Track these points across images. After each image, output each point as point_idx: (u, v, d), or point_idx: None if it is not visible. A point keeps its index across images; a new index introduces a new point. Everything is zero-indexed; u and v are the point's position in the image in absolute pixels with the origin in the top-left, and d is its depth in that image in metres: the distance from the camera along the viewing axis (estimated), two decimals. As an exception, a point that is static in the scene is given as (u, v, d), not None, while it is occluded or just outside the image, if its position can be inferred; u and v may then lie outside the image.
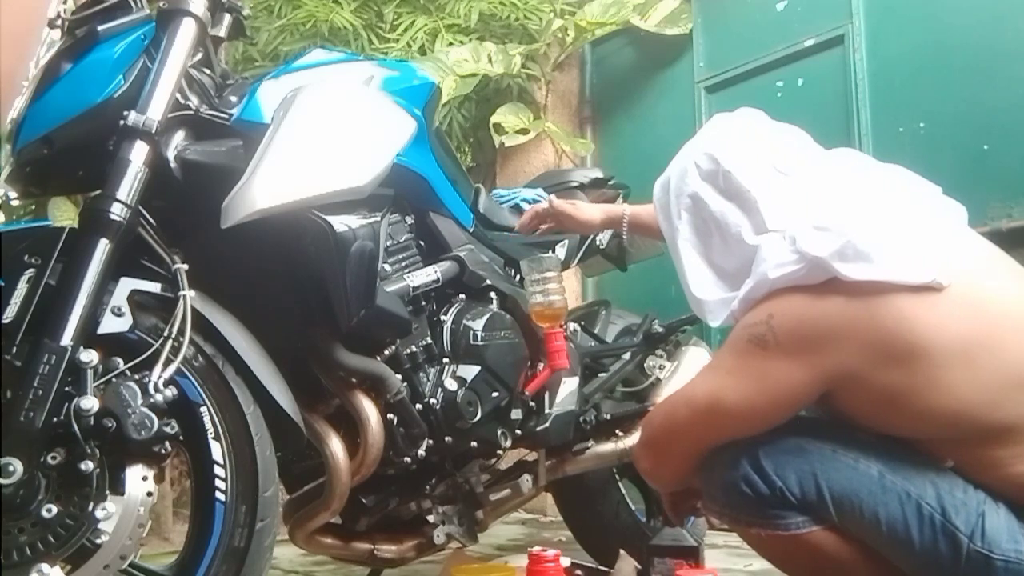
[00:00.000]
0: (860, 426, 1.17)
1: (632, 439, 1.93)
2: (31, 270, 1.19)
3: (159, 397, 1.17)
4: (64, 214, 2.76)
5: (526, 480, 1.79)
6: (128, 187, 1.22)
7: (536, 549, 1.57)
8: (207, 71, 1.47)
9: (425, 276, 1.58)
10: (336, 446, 1.43)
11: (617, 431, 1.95)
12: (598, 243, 2.15)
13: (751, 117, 1.34)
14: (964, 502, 1.09)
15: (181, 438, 1.21)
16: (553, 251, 1.97)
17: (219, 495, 1.24)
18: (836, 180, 1.23)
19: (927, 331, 1.06)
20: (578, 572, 1.73)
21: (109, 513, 1.14)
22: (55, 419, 1.12)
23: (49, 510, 1.12)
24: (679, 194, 1.31)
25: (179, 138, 1.35)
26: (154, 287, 1.27)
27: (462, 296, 1.67)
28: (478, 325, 1.62)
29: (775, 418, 1.16)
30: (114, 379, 1.17)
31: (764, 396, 1.13)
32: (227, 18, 1.52)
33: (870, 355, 1.07)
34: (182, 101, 1.36)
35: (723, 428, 1.18)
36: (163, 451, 1.18)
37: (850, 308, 1.08)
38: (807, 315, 1.11)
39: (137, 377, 1.18)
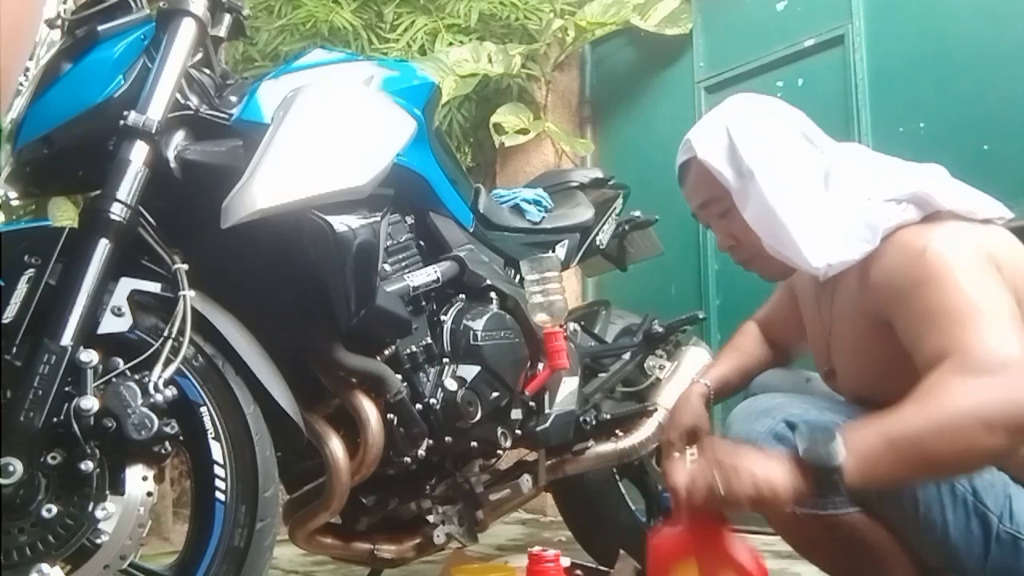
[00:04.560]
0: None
1: (632, 439, 1.93)
2: (31, 270, 1.19)
3: (159, 397, 1.17)
4: (64, 214, 2.76)
5: (526, 480, 1.79)
6: (128, 187, 1.22)
7: (536, 549, 1.57)
8: (207, 71, 1.47)
9: (425, 276, 1.58)
10: (336, 446, 1.43)
11: (617, 431, 1.95)
12: (598, 243, 2.15)
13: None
14: (992, 483, 1.10)
15: (181, 438, 1.21)
16: (553, 251, 1.97)
17: (219, 495, 1.24)
18: (874, 156, 1.32)
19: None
20: (578, 572, 1.73)
21: (109, 513, 1.14)
22: (55, 419, 1.12)
23: (49, 510, 1.12)
24: (763, 135, 1.28)
25: (179, 138, 1.35)
26: (154, 287, 1.27)
27: (462, 296, 1.67)
28: (478, 325, 1.62)
29: None
30: (114, 379, 1.17)
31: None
32: (227, 18, 1.52)
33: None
34: (182, 101, 1.36)
35: None
36: (163, 451, 1.17)
37: (965, 227, 1.15)
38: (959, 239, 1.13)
39: (137, 377, 1.18)
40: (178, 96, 1.34)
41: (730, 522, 1.08)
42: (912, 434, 0.97)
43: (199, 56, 1.45)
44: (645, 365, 2.06)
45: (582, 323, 2.08)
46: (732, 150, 1.28)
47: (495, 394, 1.61)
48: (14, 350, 1.15)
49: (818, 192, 1.24)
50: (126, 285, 1.25)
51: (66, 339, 1.14)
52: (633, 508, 2.13)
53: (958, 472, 1.07)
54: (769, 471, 0.99)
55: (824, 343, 1.34)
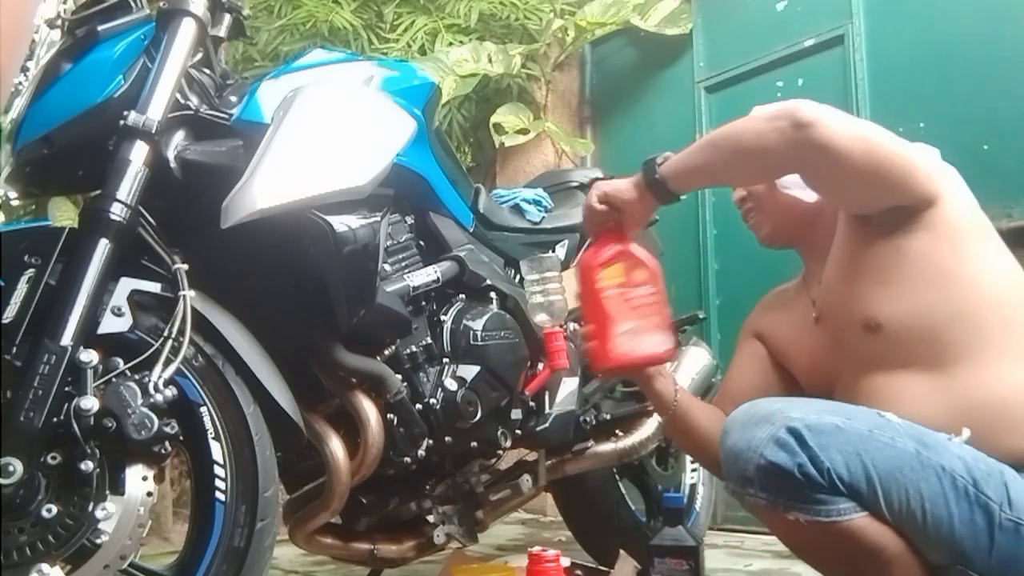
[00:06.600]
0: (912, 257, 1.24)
1: (632, 439, 1.93)
2: (31, 270, 1.19)
3: (159, 397, 1.17)
4: (64, 214, 2.76)
5: (526, 480, 1.79)
6: (128, 187, 1.23)
7: (536, 549, 1.57)
8: (207, 71, 1.47)
9: (425, 276, 1.58)
10: (336, 446, 1.43)
11: (617, 431, 1.95)
12: (598, 243, 2.15)
13: None
14: (989, 472, 1.10)
15: (181, 438, 1.21)
16: (553, 251, 1.97)
17: (219, 495, 1.24)
18: None
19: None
20: (578, 572, 1.73)
21: (109, 513, 1.14)
22: (55, 419, 1.12)
23: (49, 510, 1.12)
24: None
25: (179, 138, 1.35)
26: (154, 287, 1.27)
27: (462, 296, 1.67)
28: (478, 325, 1.62)
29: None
30: (114, 379, 1.17)
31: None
32: (227, 18, 1.52)
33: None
34: (182, 101, 1.36)
35: None
36: (163, 451, 1.17)
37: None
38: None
39: (137, 377, 1.18)
40: (178, 96, 1.34)
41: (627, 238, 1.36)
42: (715, 136, 1.27)
43: (199, 56, 1.45)
44: (645, 365, 2.06)
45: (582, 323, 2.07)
46: None
47: (495, 394, 1.61)
48: (14, 350, 1.15)
49: None
50: (126, 285, 1.25)
51: (66, 339, 1.14)
52: (633, 508, 2.13)
53: (748, 155, 1.24)
54: (620, 183, 1.32)
55: (814, 332, 1.37)
